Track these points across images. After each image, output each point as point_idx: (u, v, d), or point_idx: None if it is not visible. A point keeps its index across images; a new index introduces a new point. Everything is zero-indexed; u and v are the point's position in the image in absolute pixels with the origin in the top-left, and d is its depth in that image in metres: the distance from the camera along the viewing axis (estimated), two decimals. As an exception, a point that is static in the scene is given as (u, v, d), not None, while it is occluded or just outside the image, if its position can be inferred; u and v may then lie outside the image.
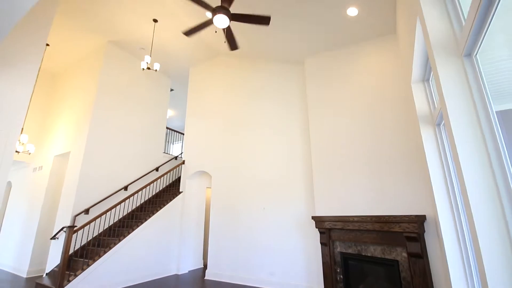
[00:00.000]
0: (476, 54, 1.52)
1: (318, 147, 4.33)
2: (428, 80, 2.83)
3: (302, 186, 4.65)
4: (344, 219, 3.57)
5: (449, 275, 2.35)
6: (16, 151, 5.53)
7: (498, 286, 1.22)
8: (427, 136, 2.68)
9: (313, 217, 3.99)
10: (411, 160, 3.19)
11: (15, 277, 5.50)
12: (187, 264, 5.90)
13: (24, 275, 5.56)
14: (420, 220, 2.84)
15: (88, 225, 4.92)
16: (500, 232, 1.26)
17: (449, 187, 2.44)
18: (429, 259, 2.83)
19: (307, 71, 4.87)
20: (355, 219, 3.43)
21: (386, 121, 3.59)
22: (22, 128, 5.77)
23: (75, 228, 4.32)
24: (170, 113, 9.76)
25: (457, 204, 2.34)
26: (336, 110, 4.25)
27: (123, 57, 6.62)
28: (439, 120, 2.46)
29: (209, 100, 6.66)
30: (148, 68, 5.29)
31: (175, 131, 8.61)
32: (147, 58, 5.19)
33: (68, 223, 5.01)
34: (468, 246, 2.24)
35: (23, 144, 5.81)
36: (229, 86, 6.37)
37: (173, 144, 9.87)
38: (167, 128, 7.84)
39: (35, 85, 4.84)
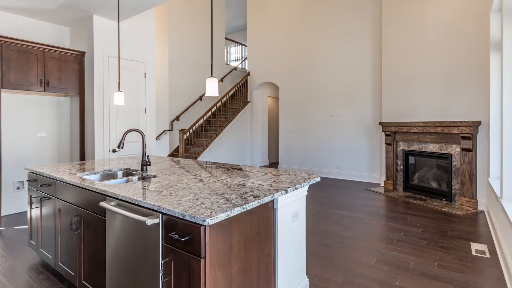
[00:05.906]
0: None
1: (389, 63, 4.79)
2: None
3: (369, 95, 5.34)
4: (409, 124, 4.47)
5: (489, 164, 3.39)
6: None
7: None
8: (494, 61, 3.29)
9: (380, 123, 4.89)
10: (475, 76, 3.82)
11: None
12: (257, 161, 7.36)
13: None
14: (475, 124, 3.70)
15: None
16: None
17: (503, 100, 3.16)
18: (477, 153, 3.85)
19: (389, -20, 4.80)
20: (420, 124, 4.32)
21: (460, 43, 3.97)
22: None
23: (184, 130, 5.49)
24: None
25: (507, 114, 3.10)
26: (411, 28, 4.50)
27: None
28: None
29: (271, 6, 6.63)
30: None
31: (233, 41, 8.72)
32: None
33: (167, 127, 6.17)
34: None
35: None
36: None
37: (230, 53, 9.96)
38: (226, 39, 8.01)
39: None
